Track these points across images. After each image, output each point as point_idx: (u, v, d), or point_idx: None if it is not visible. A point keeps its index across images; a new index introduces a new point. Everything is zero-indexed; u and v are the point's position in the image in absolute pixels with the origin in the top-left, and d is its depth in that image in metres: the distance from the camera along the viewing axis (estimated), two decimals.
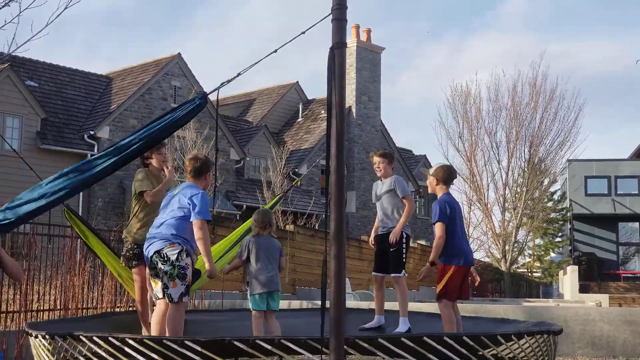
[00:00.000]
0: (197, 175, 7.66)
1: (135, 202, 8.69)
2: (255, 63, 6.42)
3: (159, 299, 7.40)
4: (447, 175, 8.40)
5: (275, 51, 6.24)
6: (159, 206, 7.79)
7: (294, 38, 6.13)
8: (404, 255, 8.88)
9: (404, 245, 8.87)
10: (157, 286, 7.35)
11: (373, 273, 9.20)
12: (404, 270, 8.88)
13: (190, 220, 7.24)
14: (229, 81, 6.62)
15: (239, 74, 6.61)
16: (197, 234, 7.20)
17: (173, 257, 7.17)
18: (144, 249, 7.41)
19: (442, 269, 8.13)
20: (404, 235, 8.90)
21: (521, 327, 8.52)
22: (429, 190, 8.55)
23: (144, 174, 8.75)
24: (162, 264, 7.18)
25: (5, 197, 11.16)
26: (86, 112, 34.78)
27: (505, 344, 7.22)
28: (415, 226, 43.99)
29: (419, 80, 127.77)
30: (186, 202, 7.30)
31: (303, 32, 6.08)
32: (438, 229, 8.05)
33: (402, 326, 8.68)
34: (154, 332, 7.45)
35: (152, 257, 7.25)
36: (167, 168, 8.87)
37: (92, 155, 31.61)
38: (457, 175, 9.10)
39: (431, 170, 8.47)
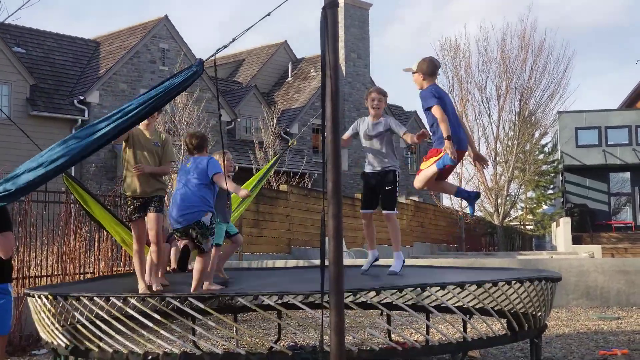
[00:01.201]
0: (200, 150, 8.44)
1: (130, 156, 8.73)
2: (249, 28, 6.31)
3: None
4: (432, 66, 8.29)
5: (269, 14, 6.20)
6: (149, 161, 8.64)
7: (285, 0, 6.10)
8: (396, 193, 8.99)
9: (397, 184, 8.97)
10: (181, 242, 8.34)
11: (361, 211, 9.20)
12: (395, 208, 8.97)
13: (209, 181, 8.19)
14: (224, 47, 6.59)
15: (233, 39, 6.54)
16: (220, 184, 8.20)
17: (207, 223, 8.05)
18: (176, 217, 8.03)
19: (435, 152, 8.01)
20: (398, 174, 9.00)
21: (519, 274, 8.60)
22: (417, 87, 8.35)
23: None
24: (199, 230, 8.00)
25: None
26: (75, 77, 34.65)
27: (505, 294, 7.32)
28: (408, 182, 44.09)
29: (408, 34, 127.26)
30: (203, 170, 8.19)
31: None
32: (436, 111, 7.87)
33: (397, 262, 8.84)
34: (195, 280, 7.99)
35: (190, 226, 8.01)
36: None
37: (82, 121, 32.00)
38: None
39: (414, 67, 8.31)
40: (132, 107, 6.45)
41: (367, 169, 9.12)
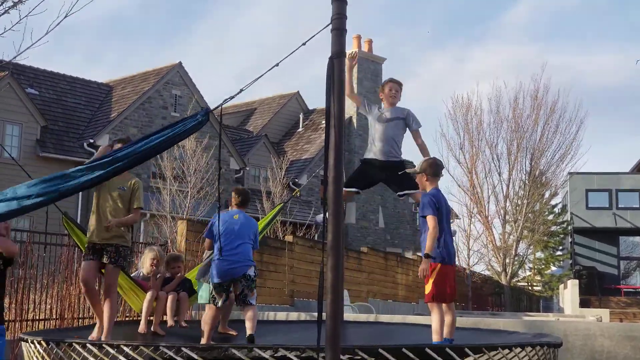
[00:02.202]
0: (244, 205, 9.17)
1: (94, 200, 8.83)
2: (258, 78, 6.36)
3: (217, 305, 8.62)
4: (435, 168, 8.31)
5: (277, 65, 6.17)
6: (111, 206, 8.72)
7: (295, 50, 6.05)
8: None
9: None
10: (221, 297, 8.63)
11: (345, 188, 8.37)
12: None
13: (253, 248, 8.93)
14: (231, 97, 6.63)
15: (241, 90, 6.60)
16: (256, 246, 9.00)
17: (253, 276, 8.71)
18: (231, 268, 8.55)
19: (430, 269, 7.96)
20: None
21: (522, 338, 8.44)
22: (420, 188, 8.44)
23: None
24: (246, 282, 8.61)
25: None
26: (86, 120, 34.76)
27: (505, 357, 7.14)
28: (415, 238, 43.89)
29: (420, 90, 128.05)
30: (252, 233, 8.91)
31: (304, 44, 6.00)
32: (430, 221, 7.90)
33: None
34: (205, 331, 8.44)
35: (242, 277, 8.59)
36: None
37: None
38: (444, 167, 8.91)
39: (418, 168, 8.34)
40: (129, 152, 6.37)
41: (378, 155, 8.99)
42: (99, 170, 6.39)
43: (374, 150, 8.91)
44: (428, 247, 7.88)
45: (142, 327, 9.68)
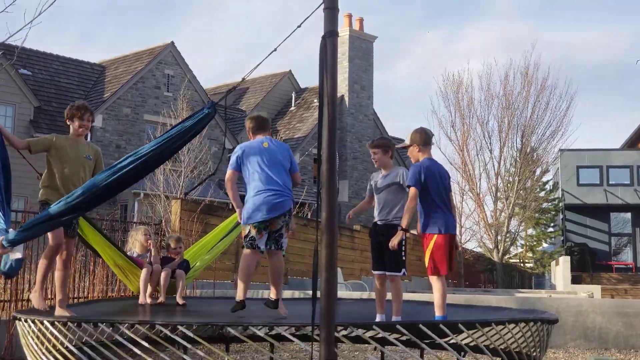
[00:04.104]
0: (264, 129, 8.08)
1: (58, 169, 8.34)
2: (257, 66, 6.43)
3: (256, 248, 7.80)
4: (425, 137, 7.99)
5: (275, 50, 6.21)
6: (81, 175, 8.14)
7: (291, 33, 6.07)
8: (403, 253, 8.04)
9: (404, 242, 7.99)
10: (262, 238, 7.76)
11: (374, 272, 8.34)
12: (404, 270, 8.12)
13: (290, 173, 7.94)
14: (234, 88, 6.72)
15: (243, 79, 6.76)
16: (296, 183, 7.98)
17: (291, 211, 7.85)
18: (280, 201, 7.70)
19: (424, 238, 7.78)
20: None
21: (515, 314, 8.48)
22: (413, 161, 8.02)
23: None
24: (288, 218, 7.78)
25: None
26: (79, 100, 34.67)
27: (499, 334, 7.20)
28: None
29: (412, 68, 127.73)
30: (288, 158, 7.92)
31: (299, 26, 6.03)
32: (410, 192, 7.69)
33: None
34: (243, 283, 7.83)
35: (285, 213, 7.74)
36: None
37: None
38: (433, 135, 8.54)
39: (408, 140, 8.06)
40: (145, 151, 6.50)
41: (377, 219, 8.38)
42: (123, 170, 6.57)
43: (376, 215, 8.54)
44: (406, 220, 7.72)
45: (142, 299, 9.75)
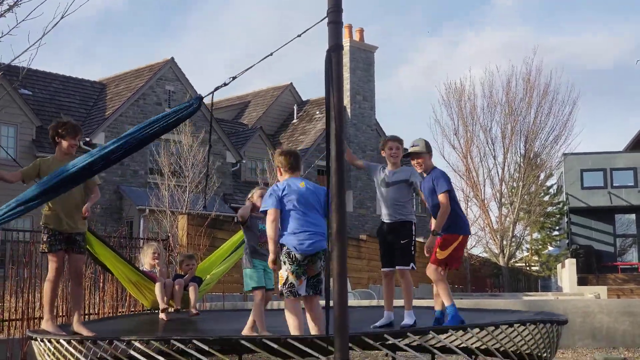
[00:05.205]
0: (298, 169, 7.97)
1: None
2: (250, 67, 6.39)
3: (297, 295, 7.44)
4: (429, 145, 8.46)
5: (271, 54, 6.22)
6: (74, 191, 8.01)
7: (290, 41, 6.11)
8: (412, 247, 8.31)
9: (413, 237, 8.33)
10: (301, 284, 7.43)
11: (382, 269, 8.53)
12: (412, 264, 8.30)
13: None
14: (224, 84, 6.56)
15: (234, 78, 6.56)
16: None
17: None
18: (315, 241, 7.45)
19: (445, 238, 8.04)
20: (415, 225, 8.41)
21: (524, 316, 8.56)
22: (423, 168, 8.30)
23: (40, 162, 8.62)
24: (323, 262, 7.39)
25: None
26: (81, 119, 34.77)
27: (509, 336, 7.26)
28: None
29: (414, 76, 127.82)
30: (323, 202, 7.55)
31: (299, 35, 6.06)
32: (444, 199, 7.98)
33: (408, 319, 8.24)
34: (294, 327, 7.46)
35: (321, 255, 7.43)
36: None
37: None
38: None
39: (417, 148, 8.33)
40: (122, 143, 6.55)
41: (385, 218, 8.52)
42: (97, 159, 6.60)
43: (383, 214, 8.67)
44: (437, 224, 8.00)
45: (162, 306, 9.82)
